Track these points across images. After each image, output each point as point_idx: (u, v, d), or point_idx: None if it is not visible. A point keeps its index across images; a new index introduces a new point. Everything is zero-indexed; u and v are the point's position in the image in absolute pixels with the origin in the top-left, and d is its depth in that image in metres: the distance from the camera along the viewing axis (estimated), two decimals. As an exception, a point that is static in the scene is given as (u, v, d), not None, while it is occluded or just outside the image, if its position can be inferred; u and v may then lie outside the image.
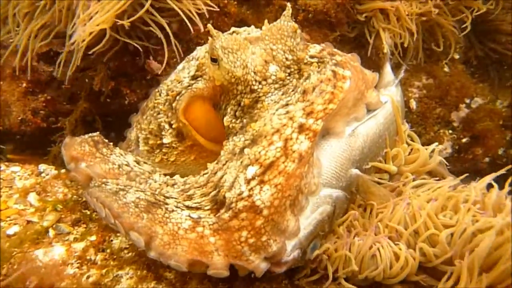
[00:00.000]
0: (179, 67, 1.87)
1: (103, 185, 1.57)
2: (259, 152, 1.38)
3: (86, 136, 1.88)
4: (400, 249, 1.48)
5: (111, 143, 1.91)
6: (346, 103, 1.53)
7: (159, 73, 2.13)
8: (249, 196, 1.34)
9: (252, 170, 1.36)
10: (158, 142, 1.83)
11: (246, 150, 1.42)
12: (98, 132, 1.94)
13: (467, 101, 2.55)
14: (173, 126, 1.77)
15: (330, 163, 1.52)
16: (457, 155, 2.55)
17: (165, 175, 1.82)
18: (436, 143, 1.90)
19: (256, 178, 1.35)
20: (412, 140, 1.91)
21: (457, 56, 2.63)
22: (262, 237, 1.35)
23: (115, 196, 1.48)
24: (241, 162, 1.42)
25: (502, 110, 2.68)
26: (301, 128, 1.40)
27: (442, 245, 1.45)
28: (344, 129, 1.57)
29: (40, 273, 1.46)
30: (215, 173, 1.51)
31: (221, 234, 1.36)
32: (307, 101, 1.44)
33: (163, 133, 1.81)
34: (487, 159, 2.58)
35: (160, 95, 1.86)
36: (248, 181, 1.36)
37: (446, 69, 2.59)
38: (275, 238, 1.37)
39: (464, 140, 2.54)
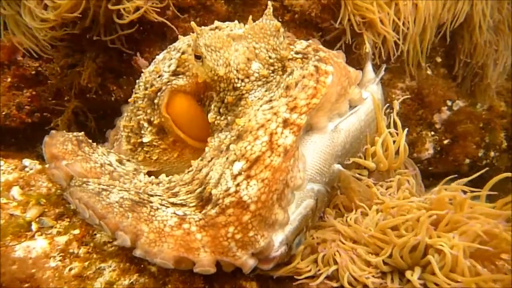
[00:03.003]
0: (159, 56, 1.84)
1: (84, 184, 1.54)
2: (245, 147, 1.38)
3: (71, 134, 1.84)
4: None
5: (95, 143, 1.88)
6: (329, 98, 1.53)
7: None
8: (236, 191, 1.33)
9: (239, 166, 1.36)
10: (139, 140, 1.80)
11: (231, 146, 1.42)
12: (83, 133, 1.90)
13: (449, 103, 2.61)
14: (154, 123, 1.74)
15: (313, 159, 1.53)
16: (439, 156, 2.60)
17: (150, 174, 1.80)
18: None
19: (243, 173, 1.34)
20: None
21: (439, 60, 2.70)
22: (249, 233, 1.34)
23: (98, 196, 1.45)
24: (227, 158, 1.42)
25: (482, 112, 2.75)
26: (286, 123, 1.40)
27: (396, 258, 1.45)
28: (327, 125, 1.57)
29: (21, 265, 1.45)
30: (200, 170, 1.50)
31: (207, 231, 1.34)
32: (290, 97, 1.44)
33: (142, 131, 1.78)
34: (467, 161, 2.64)
35: (139, 88, 1.83)
36: (234, 177, 1.35)
37: (428, 71, 2.65)
38: (263, 233, 1.35)
39: (445, 141, 2.60)
